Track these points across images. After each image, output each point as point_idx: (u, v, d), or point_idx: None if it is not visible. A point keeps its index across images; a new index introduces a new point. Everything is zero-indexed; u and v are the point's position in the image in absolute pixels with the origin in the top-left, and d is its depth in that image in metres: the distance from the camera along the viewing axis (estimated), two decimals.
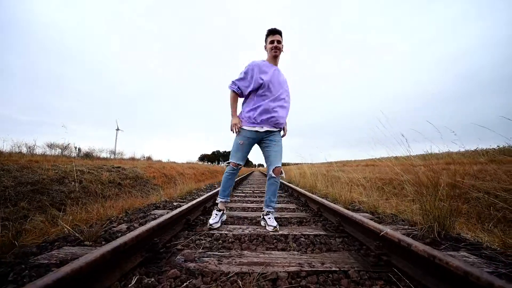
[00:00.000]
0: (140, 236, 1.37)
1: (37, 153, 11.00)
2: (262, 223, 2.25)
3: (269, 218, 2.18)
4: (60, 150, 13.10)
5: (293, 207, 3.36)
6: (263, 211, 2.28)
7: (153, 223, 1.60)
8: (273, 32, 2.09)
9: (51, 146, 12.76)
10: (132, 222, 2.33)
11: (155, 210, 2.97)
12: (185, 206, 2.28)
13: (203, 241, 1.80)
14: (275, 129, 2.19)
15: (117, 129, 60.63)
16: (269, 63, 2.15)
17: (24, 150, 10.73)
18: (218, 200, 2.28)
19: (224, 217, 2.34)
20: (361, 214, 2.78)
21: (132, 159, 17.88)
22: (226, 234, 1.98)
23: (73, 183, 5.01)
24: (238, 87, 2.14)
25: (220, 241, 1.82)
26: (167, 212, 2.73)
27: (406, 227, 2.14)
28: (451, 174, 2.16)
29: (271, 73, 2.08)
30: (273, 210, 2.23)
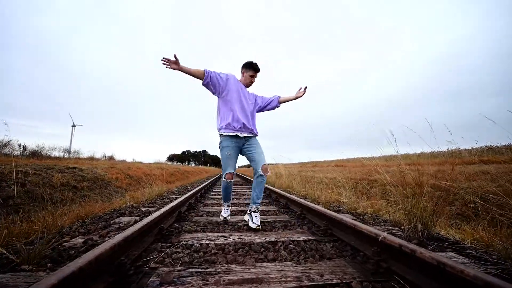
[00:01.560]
0: (103, 256, 1.08)
1: None
2: (246, 217, 2.34)
3: (256, 216, 2.25)
4: None
5: (273, 209, 3.24)
6: (250, 207, 2.31)
7: (118, 237, 1.31)
8: (257, 70, 2.43)
9: None
10: (90, 234, 1.95)
11: (120, 218, 2.58)
12: (157, 213, 1.97)
13: (181, 255, 1.54)
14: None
15: (73, 125, 54.37)
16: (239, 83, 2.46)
17: None
18: (225, 204, 2.63)
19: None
20: (344, 215, 2.77)
21: (91, 158, 16.08)
22: (208, 244, 1.74)
23: (12, 186, 4.19)
24: (210, 75, 2.26)
25: (201, 253, 1.58)
26: (135, 221, 2.38)
27: (390, 227, 2.15)
28: (417, 175, 2.24)
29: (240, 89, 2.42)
30: (259, 206, 2.33)
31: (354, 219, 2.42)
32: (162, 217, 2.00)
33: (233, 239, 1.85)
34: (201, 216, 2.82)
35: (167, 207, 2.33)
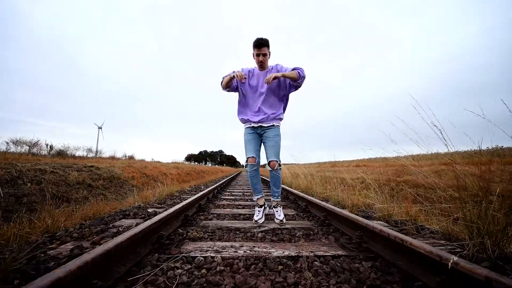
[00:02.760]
0: (72, 276, 0.81)
1: None
2: (267, 210, 2.44)
3: (277, 211, 2.32)
4: (28, 147, 11.84)
5: (292, 213, 2.86)
6: (271, 202, 2.43)
7: (98, 251, 1.03)
8: (258, 45, 2.13)
9: (16, 142, 11.47)
10: (83, 240, 1.72)
11: (122, 220, 2.36)
12: (157, 217, 1.70)
13: (179, 271, 1.24)
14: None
15: (99, 127, 57.57)
16: (257, 69, 2.32)
17: None
18: (254, 198, 2.41)
19: (267, 210, 2.49)
20: (377, 222, 2.33)
21: (112, 158, 16.66)
22: (213, 258, 1.43)
23: (29, 184, 4.20)
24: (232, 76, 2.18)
25: (204, 270, 1.27)
26: (136, 224, 2.14)
27: (442, 241, 1.70)
28: (478, 176, 1.77)
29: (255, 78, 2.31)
30: (279, 199, 2.38)
31: (393, 229, 1.99)
32: (162, 222, 1.71)
33: (244, 252, 1.52)
34: (211, 219, 2.53)
35: (172, 210, 2.06)
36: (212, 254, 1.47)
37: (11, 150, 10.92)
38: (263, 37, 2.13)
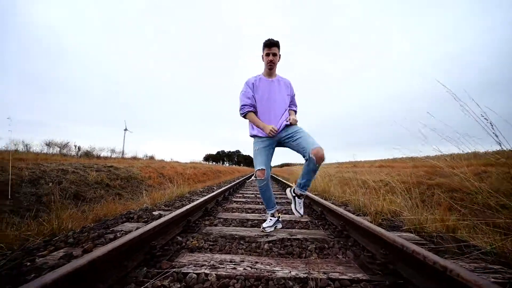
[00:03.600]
0: None
1: (33, 151, 10.58)
2: (290, 195, 2.20)
3: (300, 203, 2.14)
4: (59, 149, 12.70)
5: (305, 220, 2.60)
6: (293, 189, 2.14)
7: (70, 266, 0.88)
8: (269, 45, 2.03)
9: (49, 144, 12.35)
10: (77, 246, 1.62)
11: (125, 224, 2.26)
12: (149, 226, 1.54)
13: None
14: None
15: (125, 129, 60.86)
16: (264, 77, 2.16)
17: (20, 148, 10.32)
18: (268, 212, 2.19)
19: (279, 225, 2.24)
20: (405, 235, 1.99)
21: (134, 158, 17.38)
22: (207, 275, 1.23)
23: (50, 184, 4.37)
24: (250, 105, 2.09)
25: None
26: (136, 228, 2.02)
27: (497, 266, 1.35)
28: None
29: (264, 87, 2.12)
30: (306, 193, 2.13)
31: (428, 246, 1.65)
32: (156, 231, 1.56)
33: (244, 269, 1.31)
34: (216, 225, 2.35)
35: (172, 215, 1.92)
36: (206, 271, 1.27)
37: (44, 151, 11.76)
38: (274, 39, 2.03)
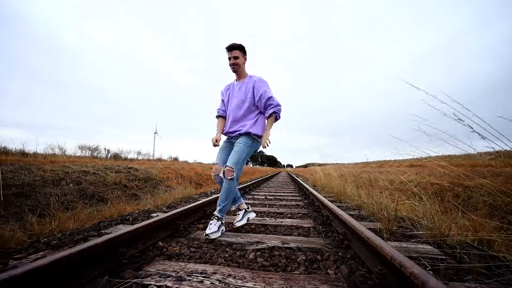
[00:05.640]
0: None
1: (68, 154, 11.55)
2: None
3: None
4: (90, 152, 13.75)
5: (308, 226, 2.35)
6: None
7: (16, 271, 0.81)
8: (229, 48, 2.08)
9: (82, 148, 13.44)
10: (58, 249, 1.61)
11: (118, 226, 2.25)
12: (122, 231, 1.46)
13: None
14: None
15: (155, 133, 64.66)
16: (234, 81, 2.28)
17: (57, 151, 11.35)
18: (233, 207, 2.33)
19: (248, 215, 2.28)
20: (420, 247, 1.67)
21: (159, 160, 18.24)
22: None
23: (70, 185, 4.66)
24: (219, 109, 2.32)
25: None
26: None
27: None
28: None
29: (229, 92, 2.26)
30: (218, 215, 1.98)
31: (444, 262, 1.34)
32: (130, 237, 1.47)
33: (212, 283, 1.15)
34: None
35: (159, 218, 1.84)
36: (169, 284, 1.14)
37: (77, 154, 12.83)
38: (236, 42, 2.12)
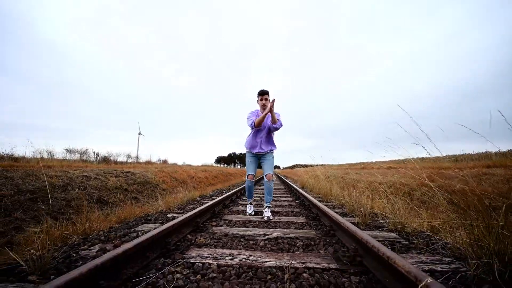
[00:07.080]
0: (87, 276, 1.02)
1: (57, 158, 11.39)
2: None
3: (266, 211, 3.11)
4: (79, 155, 13.56)
5: (302, 221, 2.89)
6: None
7: (111, 254, 1.25)
8: (261, 93, 3.05)
9: (70, 151, 13.25)
10: (108, 242, 2.02)
11: (144, 225, 2.66)
12: (165, 226, 1.91)
13: (178, 275, 1.41)
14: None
15: (139, 133, 62.96)
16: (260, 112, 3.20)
17: (45, 155, 11.15)
18: (248, 201, 3.48)
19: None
20: (386, 234, 2.25)
21: (148, 162, 18.19)
22: (210, 264, 1.57)
23: (76, 189, 4.91)
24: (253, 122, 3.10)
25: (199, 275, 1.42)
26: (154, 228, 2.40)
27: (449, 259, 1.60)
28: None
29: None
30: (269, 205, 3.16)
31: (401, 243, 1.92)
32: (169, 231, 1.92)
33: (240, 260, 1.64)
34: (221, 226, 2.70)
35: (184, 216, 2.28)
36: (209, 261, 1.62)
37: (66, 158, 12.64)
38: (265, 89, 3.04)
